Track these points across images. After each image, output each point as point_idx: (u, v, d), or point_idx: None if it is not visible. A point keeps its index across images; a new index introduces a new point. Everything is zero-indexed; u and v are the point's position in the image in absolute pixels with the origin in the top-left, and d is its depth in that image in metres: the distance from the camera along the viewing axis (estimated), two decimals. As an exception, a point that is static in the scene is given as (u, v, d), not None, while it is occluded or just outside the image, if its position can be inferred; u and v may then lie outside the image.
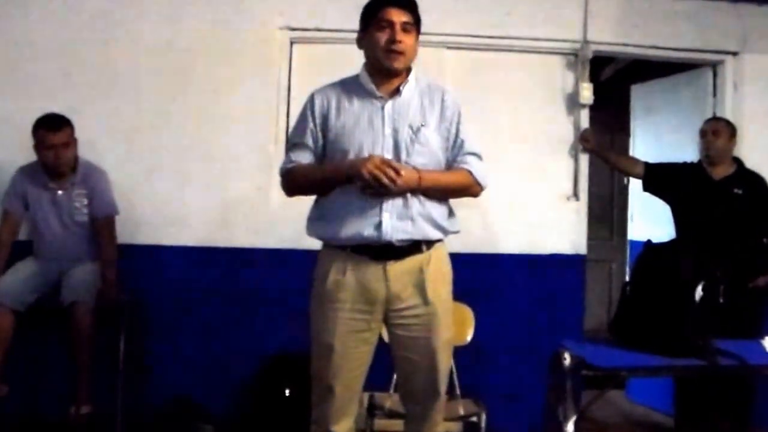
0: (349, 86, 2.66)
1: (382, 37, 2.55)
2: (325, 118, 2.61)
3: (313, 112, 2.63)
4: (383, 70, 2.60)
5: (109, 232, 3.91)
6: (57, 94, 4.17)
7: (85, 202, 3.89)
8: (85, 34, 4.28)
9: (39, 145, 3.79)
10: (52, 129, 3.76)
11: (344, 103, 2.62)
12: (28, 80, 4.24)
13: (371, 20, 2.58)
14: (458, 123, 2.64)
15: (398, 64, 2.57)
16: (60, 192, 3.88)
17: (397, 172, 2.42)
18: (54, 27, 4.27)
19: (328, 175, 2.59)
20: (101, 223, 3.89)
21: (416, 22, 2.61)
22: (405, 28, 2.56)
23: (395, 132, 2.56)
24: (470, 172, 2.63)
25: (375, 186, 2.43)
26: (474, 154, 2.65)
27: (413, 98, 2.62)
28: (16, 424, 3.87)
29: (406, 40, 2.56)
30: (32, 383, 4.05)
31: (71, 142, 3.85)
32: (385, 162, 2.44)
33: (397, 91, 2.60)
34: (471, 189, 2.67)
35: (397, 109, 2.59)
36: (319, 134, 2.62)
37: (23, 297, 3.73)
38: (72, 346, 3.72)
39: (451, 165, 2.64)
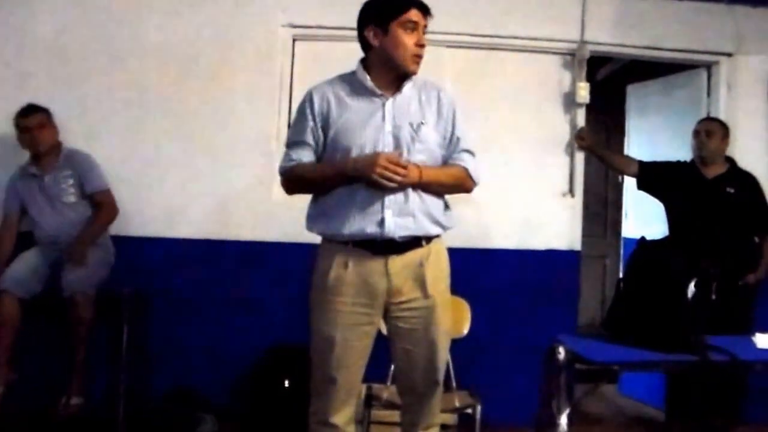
0: (347, 83, 2.66)
1: (410, 39, 2.56)
2: (325, 115, 2.61)
3: (312, 110, 2.62)
4: (395, 71, 2.61)
5: (109, 202, 4.01)
6: (59, 89, 4.23)
7: (71, 182, 3.98)
8: (89, 30, 4.33)
9: (18, 133, 3.96)
10: (25, 114, 3.94)
11: (345, 100, 2.62)
12: (30, 77, 4.29)
13: (393, 18, 2.54)
14: (454, 120, 2.68)
15: (418, 68, 2.61)
16: (46, 177, 3.98)
17: (404, 167, 2.48)
18: (57, 24, 4.32)
19: (329, 175, 2.60)
20: (98, 198, 3.99)
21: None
22: (425, 32, 2.61)
23: (396, 129, 2.58)
24: (465, 169, 2.69)
25: (383, 184, 2.48)
26: (468, 151, 2.70)
27: (412, 96, 2.65)
28: (11, 417, 3.87)
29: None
30: (30, 374, 4.03)
31: (46, 125, 3.98)
32: (392, 159, 2.48)
33: (397, 89, 2.62)
34: (465, 185, 2.72)
35: (397, 106, 2.61)
36: (320, 132, 2.63)
37: (30, 286, 3.82)
38: (70, 337, 3.78)
39: (446, 161, 2.69)
